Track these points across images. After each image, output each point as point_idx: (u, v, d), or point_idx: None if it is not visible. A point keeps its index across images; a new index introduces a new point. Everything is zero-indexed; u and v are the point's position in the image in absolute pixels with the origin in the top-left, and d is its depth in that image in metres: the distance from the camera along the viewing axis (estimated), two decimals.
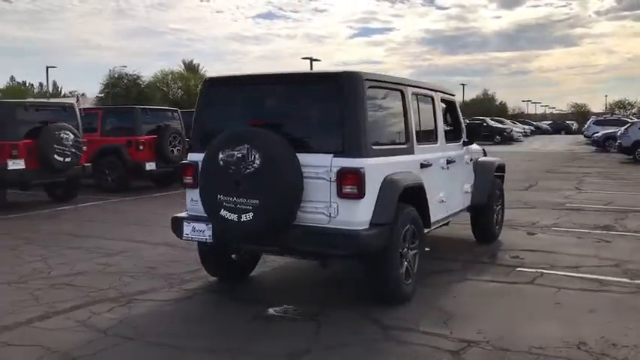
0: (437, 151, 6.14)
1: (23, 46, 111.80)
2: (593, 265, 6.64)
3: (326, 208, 4.70)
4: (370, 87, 4.92)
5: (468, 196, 7.25)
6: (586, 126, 42.02)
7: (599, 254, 7.16)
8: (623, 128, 25.54)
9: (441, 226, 6.60)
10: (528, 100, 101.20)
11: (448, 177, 6.36)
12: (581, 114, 76.17)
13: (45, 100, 23.39)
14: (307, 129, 4.94)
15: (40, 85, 50.29)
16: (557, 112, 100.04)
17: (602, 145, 31.13)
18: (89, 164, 11.93)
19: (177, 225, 5.28)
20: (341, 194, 4.63)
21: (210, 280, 5.91)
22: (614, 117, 45.78)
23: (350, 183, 4.60)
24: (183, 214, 5.31)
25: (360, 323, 4.73)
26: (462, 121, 7.15)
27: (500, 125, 41.94)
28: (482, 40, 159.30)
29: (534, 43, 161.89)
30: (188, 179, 5.22)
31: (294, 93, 5.02)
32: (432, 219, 5.78)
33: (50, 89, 61.13)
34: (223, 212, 4.73)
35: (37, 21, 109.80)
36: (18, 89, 61.16)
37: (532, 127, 56.22)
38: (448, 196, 6.35)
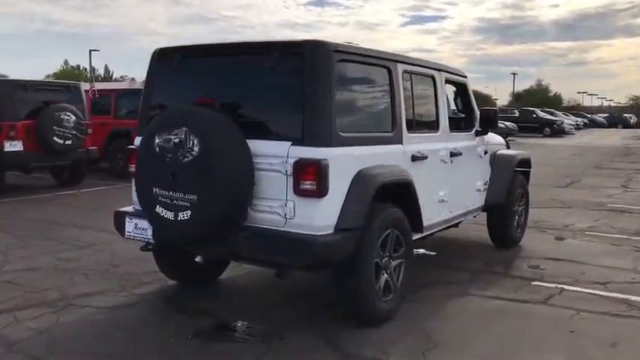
0: (437, 142, 5.19)
1: (79, 31, 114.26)
2: (625, 281, 5.58)
3: (281, 207, 3.85)
4: (342, 60, 4.02)
5: (483, 194, 6.27)
6: None
7: (637, 267, 6.07)
8: None
9: (444, 229, 5.65)
10: (584, 92, 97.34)
11: (452, 172, 5.40)
12: None
13: (48, 80, 22.95)
14: (263, 110, 4.09)
15: (93, 69, 50.97)
16: (614, 104, 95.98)
17: None
18: (94, 147, 11.38)
19: (118, 221, 4.53)
20: (298, 191, 3.78)
21: (169, 284, 5.16)
22: None
23: (309, 178, 3.74)
24: (127, 209, 4.55)
25: (316, 349, 3.88)
26: (474, 106, 6.14)
27: (550, 117, 39.95)
28: (538, 30, 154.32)
29: (594, 33, 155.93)
30: (132, 167, 4.45)
31: (250, 66, 4.16)
32: (427, 222, 4.86)
33: (102, 73, 62.14)
34: (159, 209, 3.94)
35: (95, 7, 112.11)
36: (71, 73, 62.23)
37: (585, 120, 53.59)
38: (452, 195, 5.40)
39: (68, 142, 10.52)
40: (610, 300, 5.00)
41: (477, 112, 6.12)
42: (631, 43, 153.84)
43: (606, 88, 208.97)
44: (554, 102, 70.61)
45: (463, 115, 6.18)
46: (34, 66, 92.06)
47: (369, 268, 4.05)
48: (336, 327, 4.21)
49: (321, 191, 3.73)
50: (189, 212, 3.80)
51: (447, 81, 5.59)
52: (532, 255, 6.51)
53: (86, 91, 12.30)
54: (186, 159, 3.79)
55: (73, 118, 10.60)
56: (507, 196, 6.45)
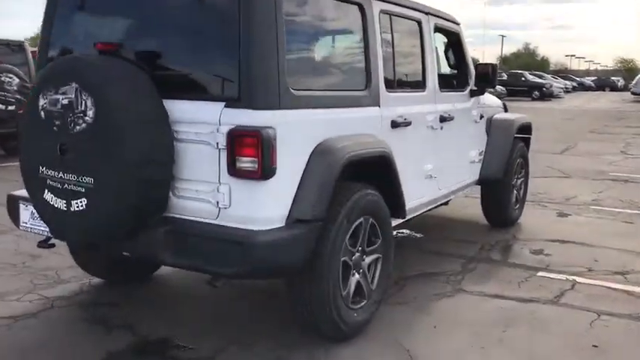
0: (424, 103, 4.17)
1: None
2: None
3: (212, 193, 2.83)
4: None
5: (477, 166, 5.28)
6: (634, 82, 38.80)
7: None
8: None
9: (431, 209, 4.68)
10: (572, 55, 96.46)
11: (443, 140, 4.40)
12: (627, 70, 71.91)
13: None
14: (186, 59, 3.01)
15: None
16: (602, 67, 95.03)
17: None
18: None
19: (12, 207, 3.48)
20: (234, 171, 2.75)
21: (93, 282, 4.15)
22: None
23: (248, 153, 2.71)
24: (21, 192, 3.49)
25: None
26: (469, 61, 5.10)
27: (539, 80, 38.92)
28: None
29: None
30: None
31: (170, 1, 3.08)
32: (410, 204, 3.87)
33: None
34: (47, 195, 2.91)
35: None
36: None
37: (574, 83, 52.75)
38: (442, 169, 4.41)
39: (11, 107, 9.38)
40: (634, 297, 4.08)
41: (472, 68, 5.08)
42: (616, 3, 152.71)
43: (593, 51, 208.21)
44: (541, 66, 69.62)
45: (456, 71, 5.14)
46: (9, 29, 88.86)
47: (333, 270, 3.06)
48: (294, 344, 3.24)
49: (264, 171, 2.70)
50: (84, 200, 2.77)
51: (437, 29, 4.52)
52: (533, 236, 5.57)
53: (33, 52, 11.05)
54: (78, 127, 2.74)
55: (17, 80, 9.45)
56: (506, 168, 5.47)
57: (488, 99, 5.60)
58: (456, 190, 4.91)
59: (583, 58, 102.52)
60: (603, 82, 59.55)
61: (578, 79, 59.37)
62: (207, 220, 2.84)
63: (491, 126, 5.46)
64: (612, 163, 10.46)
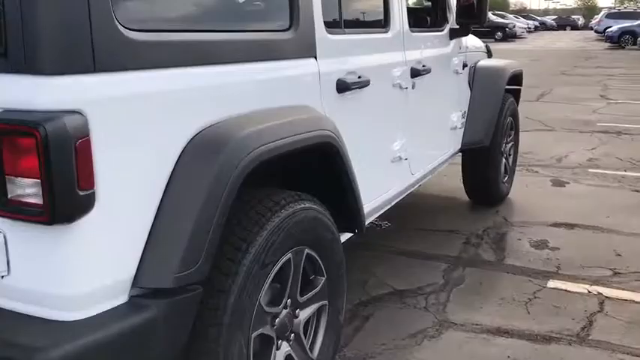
0: (387, 50, 2.76)
1: None
2: None
3: None
4: None
5: (459, 132, 3.95)
6: (596, 20, 37.91)
7: None
8: None
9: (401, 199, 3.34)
10: None
11: (415, 104, 3.02)
12: (588, 8, 71.25)
13: None
14: None
15: None
16: (561, 6, 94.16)
17: (617, 40, 27.43)
18: None
19: None
20: (5, 206, 1.33)
21: None
22: (630, 9, 41.42)
23: (25, 168, 1.29)
24: None
25: None
26: None
27: (502, 20, 37.58)
28: None
29: None
30: None
31: None
32: (370, 205, 2.54)
33: None
34: None
35: None
36: None
37: (536, 23, 51.65)
38: (415, 145, 3.05)
39: None
40: None
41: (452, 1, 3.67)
42: None
43: None
44: (500, 6, 68.15)
45: (429, 3, 3.72)
46: None
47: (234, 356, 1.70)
48: None
49: (58, 208, 1.29)
50: None
51: None
52: (531, 218, 4.32)
53: None
54: None
55: None
56: (494, 131, 4.15)
57: (470, 40, 4.22)
58: (433, 169, 3.57)
59: None
60: (564, 22, 58.75)
61: (539, 18, 58.41)
62: None
63: (476, 77, 4.12)
64: (596, 110, 9.30)
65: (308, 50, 2.12)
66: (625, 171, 5.65)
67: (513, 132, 4.74)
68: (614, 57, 21.57)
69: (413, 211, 4.48)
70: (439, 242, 3.87)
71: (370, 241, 3.81)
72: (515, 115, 4.67)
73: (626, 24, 28.52)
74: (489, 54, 4.79)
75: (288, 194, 1.90)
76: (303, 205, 1.91)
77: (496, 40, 34.04)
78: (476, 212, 4.50)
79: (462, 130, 3.98)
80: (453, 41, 3.63)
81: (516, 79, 4.62)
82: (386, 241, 3.88)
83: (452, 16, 3.63)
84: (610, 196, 4.88)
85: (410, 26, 2.99)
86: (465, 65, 3.84)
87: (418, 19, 3.43)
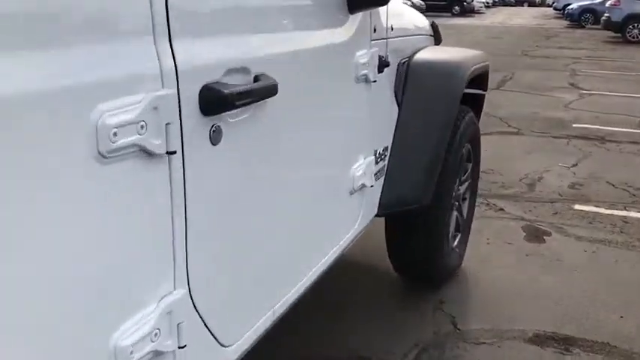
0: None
1: None
2: None
3: None
4: None
5: (371, 192, 2.08)
6: None
7: None
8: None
9: None
10: None
11: (262, 163, 1.15)
12: None
13: None
14: None
15: None
16: None
17: (577, 19, 26.09)
18: None
19: None
20: None
21: None
22: None
23: None
24: None
25: None
26: None
27: None
28: None
29: None
30: None
31: None
32: None
33: None
34: None
35: None
36: None
37: None
38: (262, 253, 1.18)
39: None
40: None
41: None
42: None
43: None
44: None
45: None
46: None
47: None
48: None
49: None
50: None
51: None
52: (496, 323, 2.54)
53: None
54: None
55: None
56: (441, 176, 2.32)
57: (399, 15, 2.34)
58: (312, 281, 1.71)
59: None
60: None
61: None
62: None
63: (409, 82, 2.26)
64: (569, 105, 7.66)
65: None
66: (625, 209, 3.96)
67: (471, 165, 2.92)
68: (576, 36, 20.15)
69: (316, 303, 2.63)
70: None
71: None
72: (474, 140, 2.84)
73: (586, 2, 27.19)
74: (437, 38, 2.93)
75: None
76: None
77: (453, 15, 32.46)
78: (406, 303, 2.69)
79: (380, 183, 2.13)
80: (356, 17, 1.74)
81: (479, 79, 2.80)
82: None
83: None
84: (615, 266, 3.16)
85: None
86: (384, 64, 1.95)
87: None
